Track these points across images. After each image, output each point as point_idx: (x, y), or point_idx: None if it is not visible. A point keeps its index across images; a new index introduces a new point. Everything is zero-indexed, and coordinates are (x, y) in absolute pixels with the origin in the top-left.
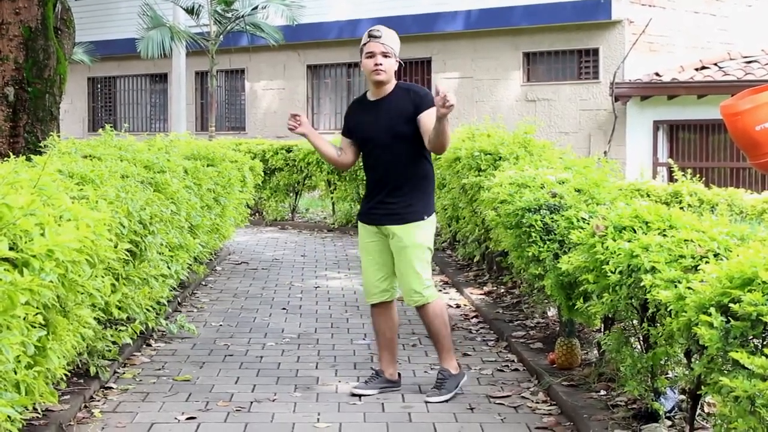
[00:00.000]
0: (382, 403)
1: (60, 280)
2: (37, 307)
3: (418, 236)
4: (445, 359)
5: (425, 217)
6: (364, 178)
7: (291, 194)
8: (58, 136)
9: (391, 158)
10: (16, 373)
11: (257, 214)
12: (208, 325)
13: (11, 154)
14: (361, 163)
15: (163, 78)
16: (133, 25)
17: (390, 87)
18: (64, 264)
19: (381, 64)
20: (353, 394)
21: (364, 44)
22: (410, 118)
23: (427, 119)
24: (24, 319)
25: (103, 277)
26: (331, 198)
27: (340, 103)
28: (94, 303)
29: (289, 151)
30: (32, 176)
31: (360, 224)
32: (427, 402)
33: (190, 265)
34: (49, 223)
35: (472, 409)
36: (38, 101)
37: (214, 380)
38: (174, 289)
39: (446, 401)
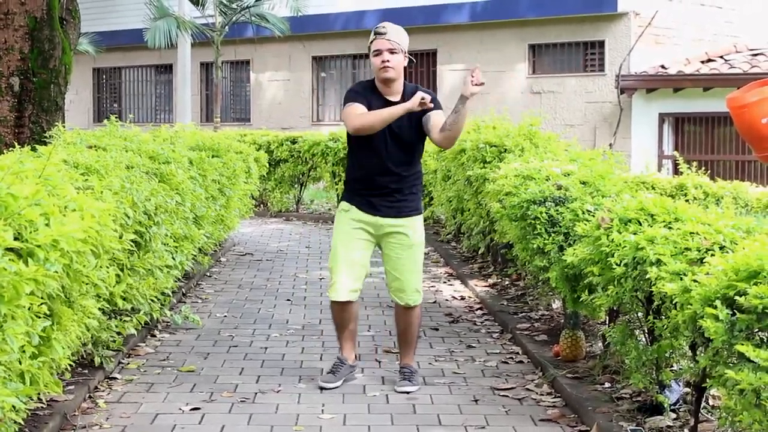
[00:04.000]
0: (387, 395)
1: (65, 270)
2: (42, 298)
3: (421, 232)
4: (413, 357)
5: (422, 212)
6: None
7: (296, 185)
8: (63, 127)
9: (400, 158)
10: (20, 363)
11: (262, 205)
12: (212, 316)
13: (16, 144)
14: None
15: (168, 69)
16: (139, 16)
17: (400, 86)
18: (68, 254)
19: (388, 61)
20: (322, 389)
21: (371, 42)
22: (419, 123)
23: (437, 117)
24: (29, 309)
25: (107, 267)
26: (336, 189)
27: None
28: (99, 293)
29: (294, 142)
30: (37, 166)
31: (353, 212)
32: (398, 391)
33: (195, 256)
34: (54, 214)
35: (476, 401)
36: (43, 92)
37: (218, 371)
38: (178, 280)
39: (415, 391)
